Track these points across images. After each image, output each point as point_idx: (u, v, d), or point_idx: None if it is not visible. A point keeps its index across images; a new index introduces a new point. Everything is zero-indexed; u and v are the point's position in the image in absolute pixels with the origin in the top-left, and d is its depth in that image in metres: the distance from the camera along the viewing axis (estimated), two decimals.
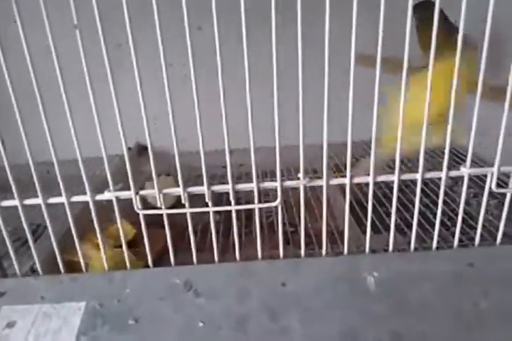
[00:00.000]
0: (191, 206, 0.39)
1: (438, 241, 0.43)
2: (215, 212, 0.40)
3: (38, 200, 0.38)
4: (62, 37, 0.35)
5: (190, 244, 0.41)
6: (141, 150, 0.88)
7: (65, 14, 0.33)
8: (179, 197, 0.39)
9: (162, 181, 0.69)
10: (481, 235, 0.43)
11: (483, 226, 0.42)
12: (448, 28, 0.43)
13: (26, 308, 0.35)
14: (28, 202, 0.38)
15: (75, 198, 0.38)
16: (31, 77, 0.34)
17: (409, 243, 0.44)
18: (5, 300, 0.36)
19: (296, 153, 0.39)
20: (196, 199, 0.40)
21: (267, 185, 0.39)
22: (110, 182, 0.38)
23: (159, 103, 0.39)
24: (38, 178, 0.37)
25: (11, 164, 0.37)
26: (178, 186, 0.39)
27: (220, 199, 0.44)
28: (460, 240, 0.43)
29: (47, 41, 0.33)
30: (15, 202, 0.38)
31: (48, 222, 0.38)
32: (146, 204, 0.42)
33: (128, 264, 0.41)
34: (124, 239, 0.41)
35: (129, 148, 0.85)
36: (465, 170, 0.39)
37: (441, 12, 0.33)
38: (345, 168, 0.39)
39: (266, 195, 0.58)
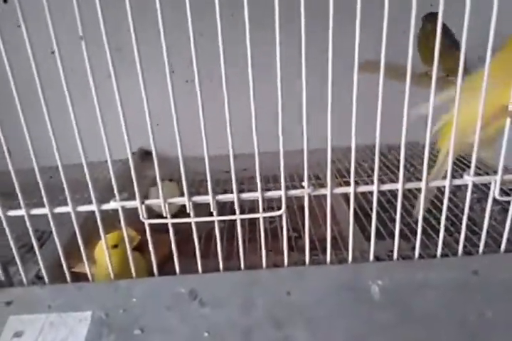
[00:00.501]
0: (195, 212, 0.40)
1: (442, 248, 0.43)
2: (220, 220, 0.40)
3: (45, 210, 0.38)
4: (66, 41, 0.35)
5: (194, 250, 0.41)
6: (144, 155, 0.88)
7: (67, 19, 0.34)
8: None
9: (165, 187, 0.69)
10: (485, 241, 0.43)
11: (487, 232, 0.43)
12: (450, 43, 0.44)
13: (33, 317, 0.36)
14: (34, 211, 0.38)
15: (81, 208, 0.39)
16: (34, 82, 0.34)
17: (413, 248, 0.45)
18: (12, 310, 0.37)
19: (298, 158, 0.39)
20: (200, 207, 0.40)
21: (271, 194, 0.39)
22: (116, 192, 0.38)
23: (161, 108, 0.39)
24: (44, 187, 0.37)
25: (15, 169, 0.37)
26: (182, 192, 0.39)
27: (223, 206, 0.44)
28: (463, 246, 0.43)
29: (51, 46, 0.33)
30: (21, 211, 0.38)
31: (54, 232, 0.39)
32: (151, 211, 0.42)
33: (133, 271, 0.41)
34: (129, 247, 0.41)
35: (132, 153, 0.86)
36: (469, 178, 0.39)
37: (445, 27, 0.34)
38: (348, 174, 0.40)
39: (269, 201, 0.59)
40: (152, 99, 0.36)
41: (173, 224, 0.40)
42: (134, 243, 0.50)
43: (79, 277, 0.43)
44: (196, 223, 0.40)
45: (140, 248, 0.51)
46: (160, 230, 0.42)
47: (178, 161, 0.38)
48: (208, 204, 0.39)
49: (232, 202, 0.39)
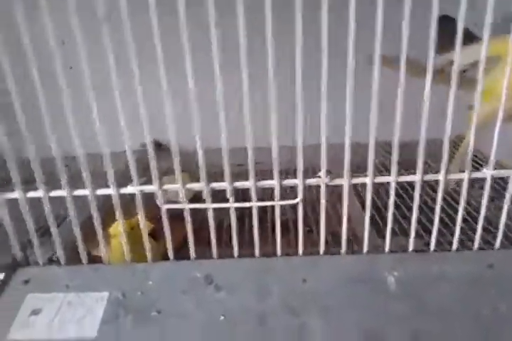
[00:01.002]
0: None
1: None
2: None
3: (64, 192, 0.38)
4: (85, 32, 0.35)
5: (207, 238, 0.42)
6: (157, 146, 0.89)
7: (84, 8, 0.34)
8: (195, 194, 0.39)
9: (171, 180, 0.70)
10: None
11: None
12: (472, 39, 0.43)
13: (51, 296, 0.36)
14: (53, 193, 0.39)
15: (100, 191, 0.39)
16: (53, 70, 0.34)
17: (425, 245, 0.44)
18: (29, 288, 0.37)
19: (310, 153, 0.39)
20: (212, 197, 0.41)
21: (288, 182, 0.40)
22: (134, 177, 0.38)
23: (176, 100, 0.39)
24: (63, 171, 0.38)
25: (33, 157, 0.37)
26: (194, 182, 0.39)
27: (235, 197, 0.44)
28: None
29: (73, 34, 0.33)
30: (40, 193, 0.38)
31: (72, 213, 0.39)
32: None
33: (148, 256, 0.41)
34: (145, 232, 0.41)
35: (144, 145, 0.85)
36: (488, 172, 0.39)
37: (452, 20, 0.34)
38: (359, 169, 0.40)
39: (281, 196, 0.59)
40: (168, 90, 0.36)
41: (193, 214, 0.40)
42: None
43: (93, 262, 0.43)
44: (207, 212, 0.40)
45: (153, 235, 0.51)
46: (173, 218, 0.42)
47: (190, 153, 0.38)
48: (220, 194, 0.39)
49: (244, 193, 0.39)
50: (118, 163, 0.39)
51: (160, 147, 0.88)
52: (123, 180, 0.39)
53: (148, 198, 0.40)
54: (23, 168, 0.38)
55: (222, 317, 0.34)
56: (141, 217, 0.40)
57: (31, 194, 0.39)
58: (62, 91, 0.35)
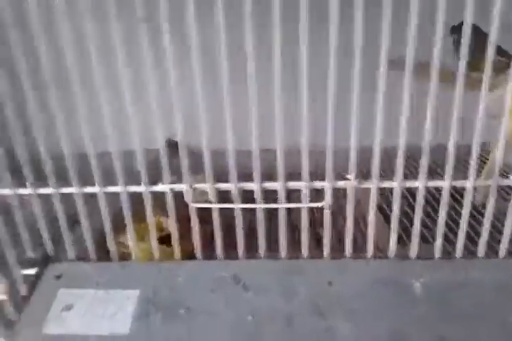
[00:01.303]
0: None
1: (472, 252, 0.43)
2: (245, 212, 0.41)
3: (96, 189, 0.39)
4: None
5: (228, 241, 0.42)
6: (173, 146, 0.89)
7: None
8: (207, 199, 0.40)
9: (199, 179, 0.70)
10: None
11: None
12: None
13: (82, 292, 0.36)
14: (86, 190, 0.39)
15: (131, 188, 0.39)
16: (87, 69, 0.35)
17: (448, 253, 0.44)
18: (61, 283, 0.38)
19: (336, 157, 0.39)
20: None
21: (318, 184, 0.40)
22: (165, 175, 0.39)
23: (203, 102, 0.39)
24: (97, 168, 0.38)
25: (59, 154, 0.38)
26: None
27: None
28: (496, 253, 0.42)
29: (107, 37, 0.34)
30: (73, 189, 0.39)
31: (104, 210, 0.40)
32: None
33: (177, 255, 0.42)
34: (174, 231, 0.42)
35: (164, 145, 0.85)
36: None
37: (485, 34, 0.34)
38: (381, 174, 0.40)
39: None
40: (189, 92, 0.36)
41: (206, 216, 0.40)
42: (167, 231, 0.51)
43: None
44: (226, 214, 0.40)
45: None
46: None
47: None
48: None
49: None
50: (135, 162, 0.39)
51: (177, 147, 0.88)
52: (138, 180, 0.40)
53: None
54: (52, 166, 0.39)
55: (250, 317, 0.34)
56: (172, 216, 0.41)
57: (64, 190, 0.40)
58: (98, 92, 0.36)
